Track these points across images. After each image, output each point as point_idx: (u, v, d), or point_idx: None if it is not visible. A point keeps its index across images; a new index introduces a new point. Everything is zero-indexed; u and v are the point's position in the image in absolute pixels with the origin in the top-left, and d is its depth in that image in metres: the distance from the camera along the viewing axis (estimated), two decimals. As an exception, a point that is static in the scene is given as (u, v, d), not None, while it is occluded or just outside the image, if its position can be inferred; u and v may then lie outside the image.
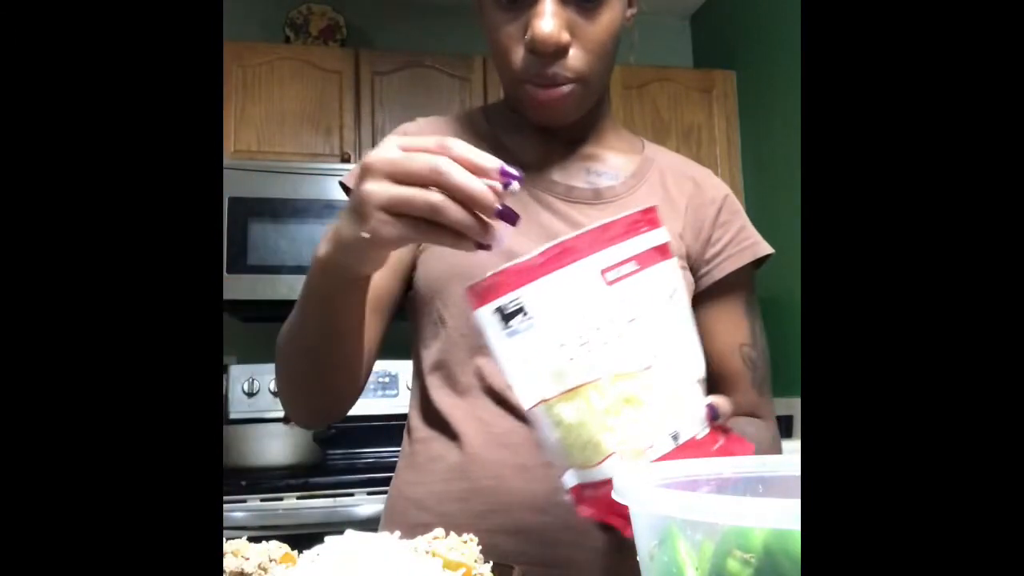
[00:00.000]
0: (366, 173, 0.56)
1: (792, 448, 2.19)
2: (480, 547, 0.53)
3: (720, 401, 0.58)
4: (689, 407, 0.56)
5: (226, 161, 2.28)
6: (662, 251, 0.57)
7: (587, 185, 0.85)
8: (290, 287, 2.24)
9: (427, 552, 0.51)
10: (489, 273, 0.54)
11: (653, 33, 3.13)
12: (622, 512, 0.54)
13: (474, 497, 0.77)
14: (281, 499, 1.93)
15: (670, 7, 3.15)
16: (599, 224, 0.55)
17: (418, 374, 0.87)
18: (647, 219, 0.56)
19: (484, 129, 0.87)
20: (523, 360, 0.54)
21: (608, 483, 0.54)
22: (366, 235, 0.56)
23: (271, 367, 2.50)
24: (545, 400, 0.54)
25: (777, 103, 2.63)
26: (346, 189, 0.83)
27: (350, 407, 0.83)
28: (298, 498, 1.94)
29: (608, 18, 0.75)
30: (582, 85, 0.76)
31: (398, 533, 0.53)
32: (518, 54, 0.75)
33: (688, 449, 0.55)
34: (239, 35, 2.60)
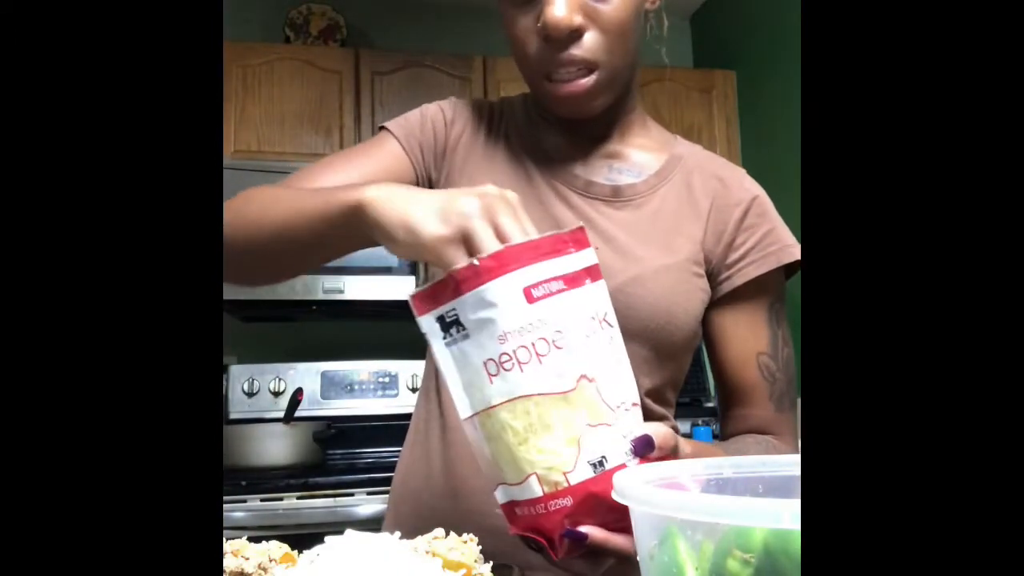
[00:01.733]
0: (490, 204, 0.55)
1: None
2: (480, 547, 0.53)
3: (657, 435, 0.55)
4: (617, 434, 0.54)
5: (226, 161, 2.27)
6: (591, 273, 0.56)
7: (607, 182, 0.84)
8: (290, 287, 2.24)
9: (427, 552, 0.51)
10: (427, 284, 0.54)
11: (653, 33, 3.12)
12: (548, 532, 0.54)
13: (461, 496, 0.77)
14: (281, 499, 1.93)
15: (670, 7, 3.12)
16: (527, 240, 0.54)
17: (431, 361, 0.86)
18: (574, 240, 0.55)
19: (522, 119, 0.88)
20: (458, 371, 0.54)
21: (531, 502, 0.53)
22: (432, 242, 0.54)
23: (271, 367, 2.51)
24: (476, 413, 0.54)
25: (777, 103, 2.63)
26: (383, 128, 0.86)
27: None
28: (298, 498, 1.94)
29: (622, 0, 0.74)
30: (603, 72, 0.75)
31: (398, 533, 0.53)
32: (533, 45, 0.75)
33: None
34: (239, 35, 2.60)
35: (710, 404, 2.71)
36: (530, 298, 0.52)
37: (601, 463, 0.53)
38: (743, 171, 0.88)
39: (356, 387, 2.56)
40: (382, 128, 0.87)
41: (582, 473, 0.52)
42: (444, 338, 0.54)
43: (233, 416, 2.44)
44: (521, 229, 0.54)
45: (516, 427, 0.52)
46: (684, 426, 2.40)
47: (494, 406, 0.53)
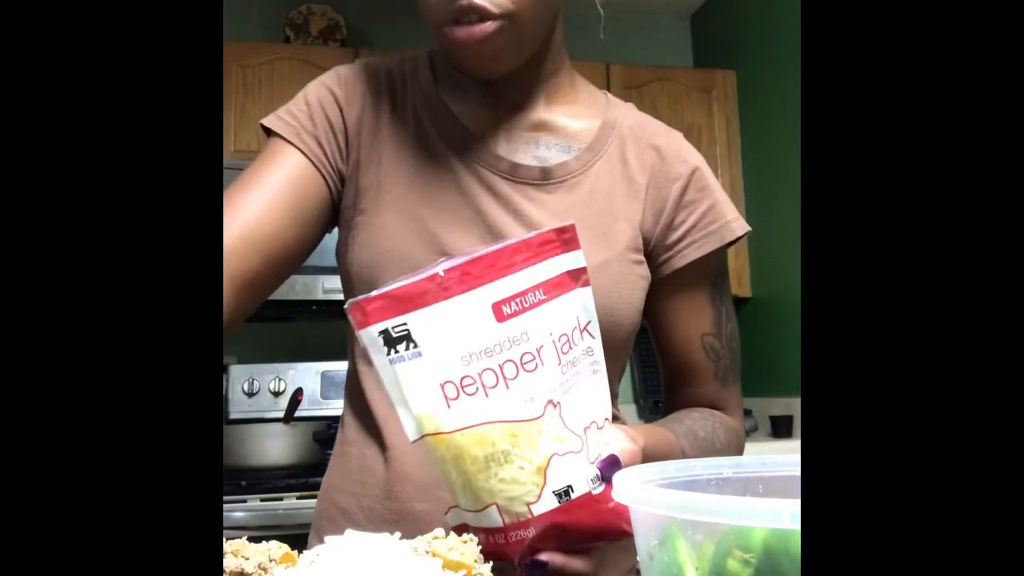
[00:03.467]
0: None
1: (792, 448, 2.19)
2: (480, 547, 0.53)
3: (623, 453, 0.53)
4: (583, 460, 0.51)
5: (226, 161, 2.27)
6: (576, 277, 0.51)
7: (535, 162, 0.75)
8: (290, 287, 2.23)
9: (427, 552, 0.51)
10: (375, 292, 0.49)
11: (653, 33, 3.13)
12: (507, 560, 0.50)
13: (404, 521, 0.70)
14: (281, 499, 1.93)
15: (670, 7, 3.15)
16: (503, 245, 0.49)
17: (351, 359, 0.79)
18: (562, 239, 0.51)
19: (429, 88, 0.77)
20: (406, 391, 0.49)
21: (491, 531, 0.50)
22: None
23: (271, 367, 2.51)
24: (426, 436, 0.50)
25: (777, 103, 2.63)
26: (267, 131, 0.75)
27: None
28: (298, 498, 1.94)
29: None
30: (509, 22, 0.66)
31: (398, 534, 0.53)
32: None
33: (581, 506, 0.50)
34: (239, 35, 2.60)
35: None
36: (500, 316, 0.48)
37: (567, 492, 0.50)
38: (680, 136, 0.81)
39: (356, 387, 2.56)
40: (267, 132, 0.75)
41: (547, 504, 0.50)
42: (388, 354, 0.49)
43: (233, 416, 2.44)
44: None
45: (475, 455, 0.49)
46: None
47: (450, 432, 0.49)
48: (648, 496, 0.40)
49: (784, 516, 0.34)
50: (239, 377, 2.48)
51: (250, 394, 2.47)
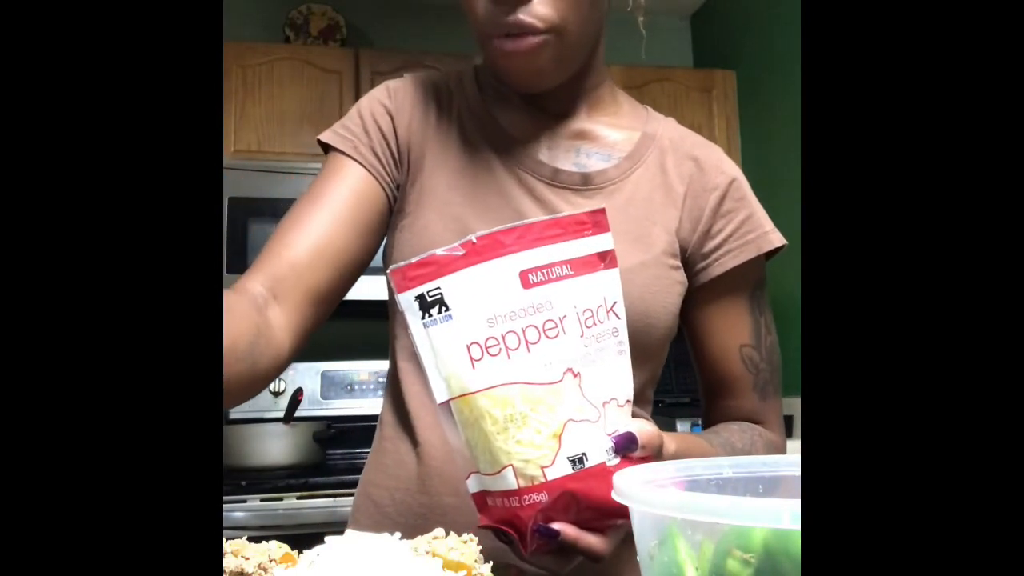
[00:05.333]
0: None
1: (792, 448, 2.19)
2: (480, 547, 0.53)
3: (642, 433, 0.54)
4: (600, 432, 0.52)
5: (226, 161, 2.28)
6: (604, 258, 0.53)
7: (576, 168, 0.78)
8: (290, 287, 2.23)
9: (427, 552, 0.51)
10: (415, 258, 0.52)
11: (653, 33, 3.12)
12: (520, 526, 0.52)
13: (432, 514, 0.73)
14: (281, 499, 1.93)
15: (670, 7, 3.15)
16: (537, 220, 0.52)
17: (392, 358, 0.82)
18: (593, 221, 0.53)
19: (474, 98, 0.81)
20: (437, 353, 0.52)
21: (505, 494, 0.52)
22: None
23: (271, 367, 2.50)
24: (452, 399, 0.52)
25: (777, 103, 2.63)
26: (325, 146, 0.80)
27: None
28: (298, 498, 1.94)
29: None
30: (555, 37, 0.68)
31: (398, 534, 0.53)
32: (481, 7, 0.69)
33: (594, 475, 0.51)
34: (239, 35, 2.60)
35: (709, 404, 2.71)
36: (526, 283, 0.51)
37: (581, 460, 0.51)
38: (719, 150, 0.84)
39: (356, 387, 2.56)
40: (324, 147, 0.80)
41: (560, 469, 0.51)
42: (423, 317, 0.52)
43: (233, 416, 2.44)
44: None
45: (495, 415, 0.51)
46: (684, 426, 2.40)
47: (473, 392, 0.51)
48: (648, 496, 0.40)
49: (784, 516, 0.34)
50: (239, 377, 2.48)
51: (250, 394, 2.47)
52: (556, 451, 0.51)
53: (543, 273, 0.51)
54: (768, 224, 0.80)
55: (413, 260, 0.52)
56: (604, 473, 0.52)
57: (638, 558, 0.42)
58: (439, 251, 0.52)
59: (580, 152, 0.79)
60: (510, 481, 0.51)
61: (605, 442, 0.53)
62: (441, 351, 0.52)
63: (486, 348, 0.51)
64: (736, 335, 0.80)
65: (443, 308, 0.51)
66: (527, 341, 0.51)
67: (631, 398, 0.55)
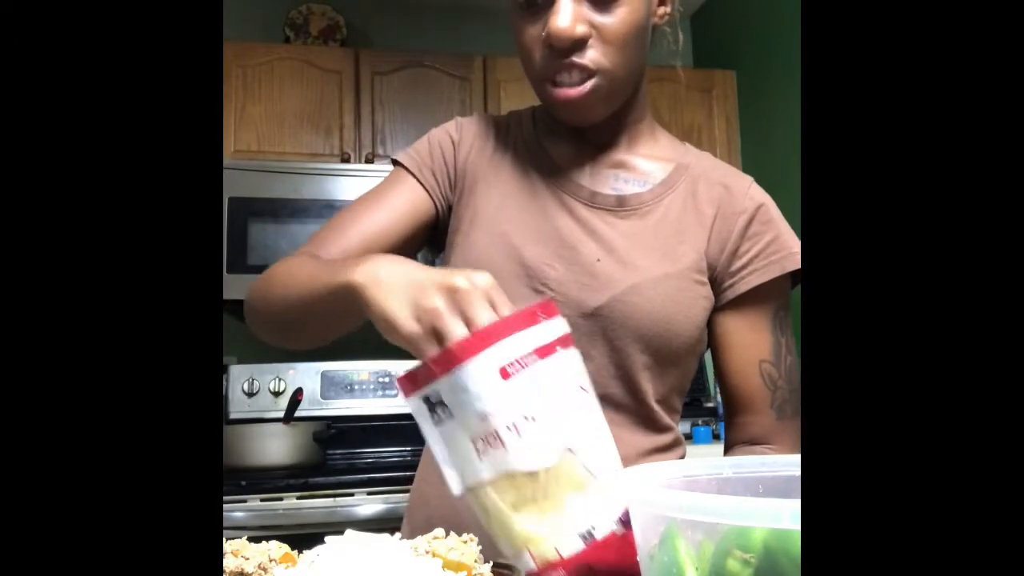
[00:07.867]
0: (461, 297, 0.55)
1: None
2: (480, 547, 0.53)
3: None
4: (605, 502, 0.54)
5: (226, 161, 2.27)
6: (563, 342, 0.56)
7: (613, 191, 0.85)
8: (290, 287, 2.23)
9: (427, 552, 0.51)
10: (417, 363, 0.55)
11: (653, 33, 3.12)
12: None
13: None
14: (281, 499, 1.93)
15: (670, 7, 3.14)
16: (497, 320, 0.55)
17: None
18: (544, 310, 0.56)
19: (528, 132, 0.91)
20: (448, 449, 0.55)
21: (530, 574, 0.54)
22: (408, 340, 0.56)
23: (271, 367, 2.51)
24: (469, 490, 0.55)
25: (777, 103, 2.63)
26: (395, 162, 0.89)
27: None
28: (298, 498, 1.94)
29: (627, 11, 0.76)
30: (604, 79, 0.77)
31: (399, 534, 0.53)
32: (538, 53, 0.78)
33: (607, 546, 0.53)
34: (239, 35, 2.60)
35: (710, 404, 2.71)
36: (505, 375, 0.53)
37: (590, 534, 0.53)
38: (751, 179, 0.89)
39: (356, 387, 2.56)
40: (395, 163, 0.90)
41: (572, 546, 0.53)
42: (432, 418, 0.55)
43: (233, 416, 2.44)
44: (491, 316, 0.54)
45: (506, 501, 0.53)
46: (684, 426, 2.40)
47: (485, 482, 0.54)
48: (648, 496, 0.40)
49: (784, 516, 0.34)
50: (239, 377, 2.48)
51: (250, 394, 2.47)
52: (565, 529, 0.53)
53: (517, 364, 0.54)
54: (796, 246, 0.84)
55: (411, 369, 0.55)
56: (616, 543, 0.53)
57: (638, 558, 0.42)
58: (434, 354, 0.54)
59: (618, 179, 0.86)
60: (528, 562, 0.54)
61: (611, 512, 0.54)
62: (453, 447, 0.55)
63: (487, 441, 0.53)
64: (757, 351, 0.84)
65: (444, 408, 0.54)
66: (518, 430, 0.53)
67: (620, 466, 0.57)
